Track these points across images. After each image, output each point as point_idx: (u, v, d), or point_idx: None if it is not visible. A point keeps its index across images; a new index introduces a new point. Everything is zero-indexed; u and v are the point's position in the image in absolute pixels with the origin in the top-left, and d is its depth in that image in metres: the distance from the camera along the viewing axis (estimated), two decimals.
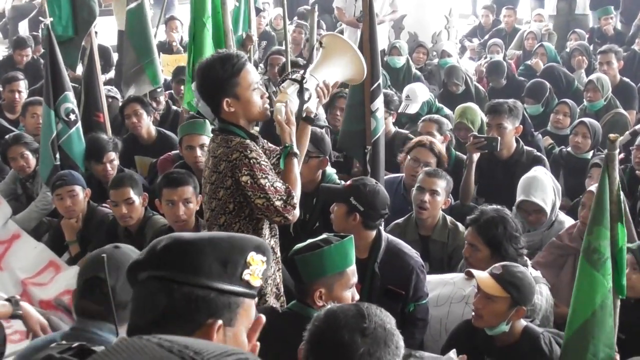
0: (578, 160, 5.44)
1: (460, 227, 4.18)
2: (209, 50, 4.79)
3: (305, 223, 4.21)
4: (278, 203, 3.01)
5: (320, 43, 3.24)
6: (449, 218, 4.27)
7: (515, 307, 3.05)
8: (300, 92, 3.09)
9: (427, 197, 4.13)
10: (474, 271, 3.18)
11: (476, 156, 4.71)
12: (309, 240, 2.82)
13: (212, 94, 3.09)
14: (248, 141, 3.06)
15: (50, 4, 5.25)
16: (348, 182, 3.71)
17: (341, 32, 8.75)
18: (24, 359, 2.38)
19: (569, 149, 5.55)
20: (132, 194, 4.27)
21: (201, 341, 1.01)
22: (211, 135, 3.42)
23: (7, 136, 5.52)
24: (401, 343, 1.96)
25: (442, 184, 4.18)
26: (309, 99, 3.12)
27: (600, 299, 2.76)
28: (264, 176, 2.99)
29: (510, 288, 3.02)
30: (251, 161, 2.99)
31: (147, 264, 1.49)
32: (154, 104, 6.37)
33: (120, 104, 6.02)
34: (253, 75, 3.11)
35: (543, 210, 4.21)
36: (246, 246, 1.53)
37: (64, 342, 2.33)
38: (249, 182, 2.99)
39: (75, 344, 1.44)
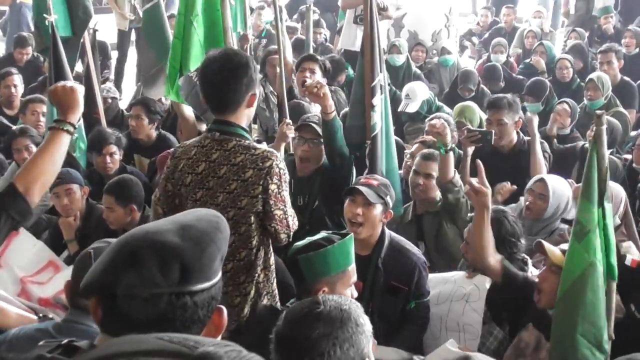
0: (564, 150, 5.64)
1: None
2: (196, 49, 4.76)
3: (304, 207, 4.23)
4: (290, 220, 3.06)
5: None
6: None
7: None
8: None
9: (421, 180, 4.23)
10: (547, 244, 3.21)
11: (471, 149, 4.74)
12: (308, 239, 2.81)
13: (244, 90, 3.01)
14: (276, 152, 3.09)
15: (43, 4, 5.24)
16: (374, 181, 3.63)
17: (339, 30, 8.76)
18: (14, 347, 2.40)
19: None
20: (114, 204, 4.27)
21: (196, 336, 1.02)
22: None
23: (14, 127, 5.55)
24: (362, 321, 1.96)
25: (437, 168, 4.23)
26: None
27: (580, 270, 2.78)
28: (285, 189, 3.03)
29: None
30: (281, 171, 3.00)
31: (166, 286, 1.41)
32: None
33: (122, 102, 6.01)
34: None
35: (547, 200, 4.21)
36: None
37: (54, 338, 2.36)
38: (275, 191, 2.98)
39: (65, 341, 1.44)
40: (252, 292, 3.09)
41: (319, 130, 4.16)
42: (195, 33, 4.85)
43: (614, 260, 2.83)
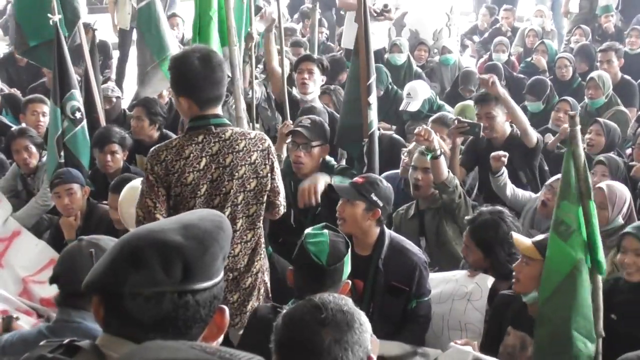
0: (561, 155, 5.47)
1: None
2: (215, 45, 4.80)
3: (305, 209, 4.24)
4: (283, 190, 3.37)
5: None
6: None
7: None
8: None
9: (420, 175, 4.27)
10: (516, 235, 3.30)
11: (459, 140, 4.78)
12: (314, 242, 2.76)
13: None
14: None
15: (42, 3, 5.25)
16: (360, 179, 3.66)
17: (340, 33, 8.76)
18: (9, 351, 2.41)
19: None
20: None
21: (227, 348, 1.02)
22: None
23: (13, 128, 5.54)
24: (363, 319, 1.95)
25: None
26: None
27: (569, 268, 2.86)
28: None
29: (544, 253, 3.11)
30: (273, 149, 3.31)
31: (168, 285, 1.42)
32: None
33: (123, 101, 6.00)
34: None
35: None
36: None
37: (53, 339, 2.36)
38: (276, 167, 3.27)
39: (66, 341, 1.44)
40: (258, 269, 3.30)
41: (309, 135, 4.22)
42: (214, 29, 4.92)
43: (600, 256, 2.87)
